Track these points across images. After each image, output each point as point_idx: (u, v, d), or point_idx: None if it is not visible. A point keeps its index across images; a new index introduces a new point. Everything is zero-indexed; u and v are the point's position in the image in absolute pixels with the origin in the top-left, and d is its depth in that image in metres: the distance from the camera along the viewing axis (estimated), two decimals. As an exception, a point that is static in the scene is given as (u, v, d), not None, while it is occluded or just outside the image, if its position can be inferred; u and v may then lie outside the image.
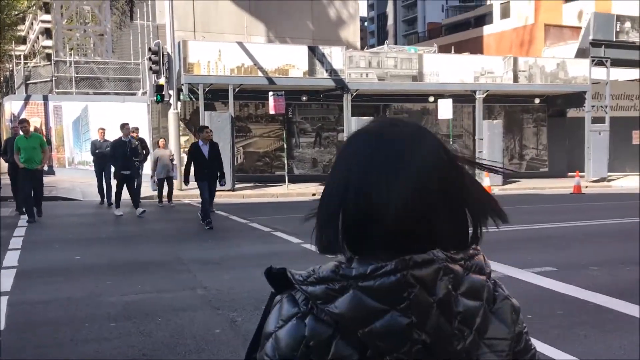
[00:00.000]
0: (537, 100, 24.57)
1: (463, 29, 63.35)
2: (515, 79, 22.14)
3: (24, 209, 12.19)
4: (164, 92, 18.20)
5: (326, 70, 19.34)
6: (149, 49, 18.14)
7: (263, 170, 21.48)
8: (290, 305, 0.96)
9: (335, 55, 19.47)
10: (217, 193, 12.48)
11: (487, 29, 54.80)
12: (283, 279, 0.99)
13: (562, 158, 25.62)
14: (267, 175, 21.12)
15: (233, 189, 17.92)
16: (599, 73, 23.80)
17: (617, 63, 24.13)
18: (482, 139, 21.68)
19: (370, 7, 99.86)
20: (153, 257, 8.47)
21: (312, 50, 19.39)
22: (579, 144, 25.38)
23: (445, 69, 21.06)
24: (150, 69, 18.11)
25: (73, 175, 21.40)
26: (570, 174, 25.69)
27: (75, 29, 31.25)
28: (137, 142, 13.25)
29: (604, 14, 23.90)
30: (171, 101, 18.38)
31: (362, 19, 71.86)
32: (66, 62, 23.97)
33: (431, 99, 22.48)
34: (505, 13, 52.50)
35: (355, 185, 0.94)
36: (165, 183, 15.08)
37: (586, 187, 22.56)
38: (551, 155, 25.70)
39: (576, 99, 23.88)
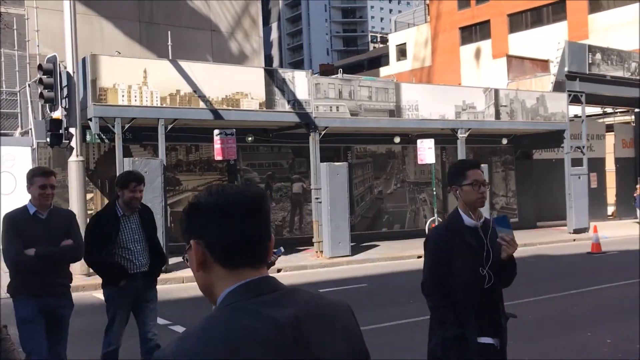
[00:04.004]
0: (504, 141, 21.20)
1: (357, 70, 61.60)
2: (497, 115, 18.59)
3: None
4: (61, 131, 12.37)
5: (288, 102, 14.47)
6: (39, 67, 12.23)
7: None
8: None
9: (299, 82, 14.65)
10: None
11: (383, 71, 53.15)
12: None
13: (530, 206, 22.41)
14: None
15: (166, 269, 12.40)
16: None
17: (591, 99, 21.55)
18: (465, 188, 17.68)
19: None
20: None
21: (270, 75, 14.45)
22: (546, 190, 22.41)
23: (424, 101, 16.97)
24: (41, 96, 12.26)
25: None
26: (539, 223, 22.63)
27: None
28: None
29: (576, 43, 21.29)
30: (72, 143, 12.59)
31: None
32: None
33: (397, 139, 18.33)
34: (401, 55, 51.29)
35: None
36: None
37: (574, 240, 19.38)
38: (520, 203, 22.41)
39: (550, 138, 20.84)
